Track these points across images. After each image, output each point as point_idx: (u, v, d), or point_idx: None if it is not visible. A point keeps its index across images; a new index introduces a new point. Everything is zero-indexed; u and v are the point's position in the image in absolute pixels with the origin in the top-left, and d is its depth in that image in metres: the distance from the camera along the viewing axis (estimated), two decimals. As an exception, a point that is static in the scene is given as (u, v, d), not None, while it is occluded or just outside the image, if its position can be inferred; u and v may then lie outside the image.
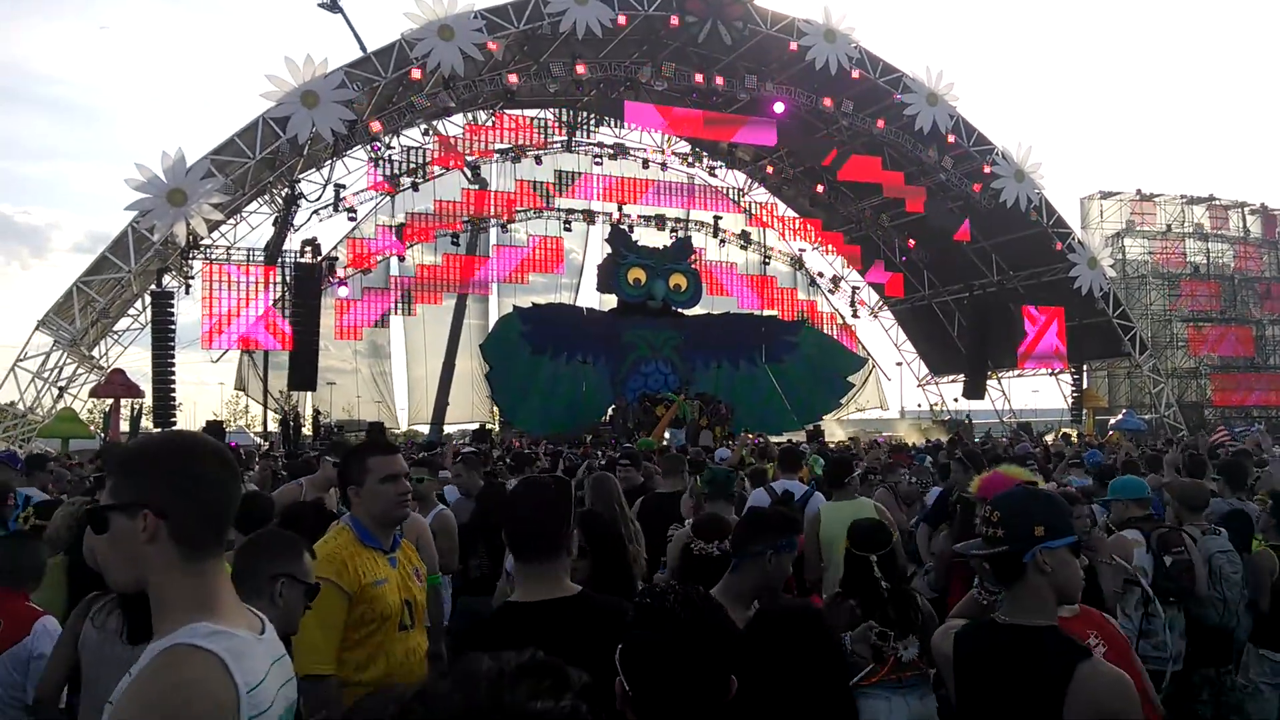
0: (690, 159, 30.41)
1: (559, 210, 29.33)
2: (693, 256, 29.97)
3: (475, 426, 26.64)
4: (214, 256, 22.73)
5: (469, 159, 26.79)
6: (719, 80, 24.54)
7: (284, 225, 23.35)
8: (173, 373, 21.16)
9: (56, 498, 6.51)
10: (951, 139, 26.26)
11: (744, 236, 32.55)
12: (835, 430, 29.96)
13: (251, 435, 30.30)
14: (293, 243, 23.52)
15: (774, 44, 24.55)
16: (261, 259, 22.94)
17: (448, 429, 28.51)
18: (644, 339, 28.13)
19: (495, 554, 4.99)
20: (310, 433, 23.77)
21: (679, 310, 29.04)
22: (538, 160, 28.47)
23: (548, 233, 29.36)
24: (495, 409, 28.23)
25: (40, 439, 21.01)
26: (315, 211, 24.71)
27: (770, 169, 31.32)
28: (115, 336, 23.02)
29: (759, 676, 2.05)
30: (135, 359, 24.15)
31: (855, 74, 24.91)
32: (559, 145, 28.35)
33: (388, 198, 26.42)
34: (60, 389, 21.59)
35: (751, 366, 29.56)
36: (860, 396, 33.49)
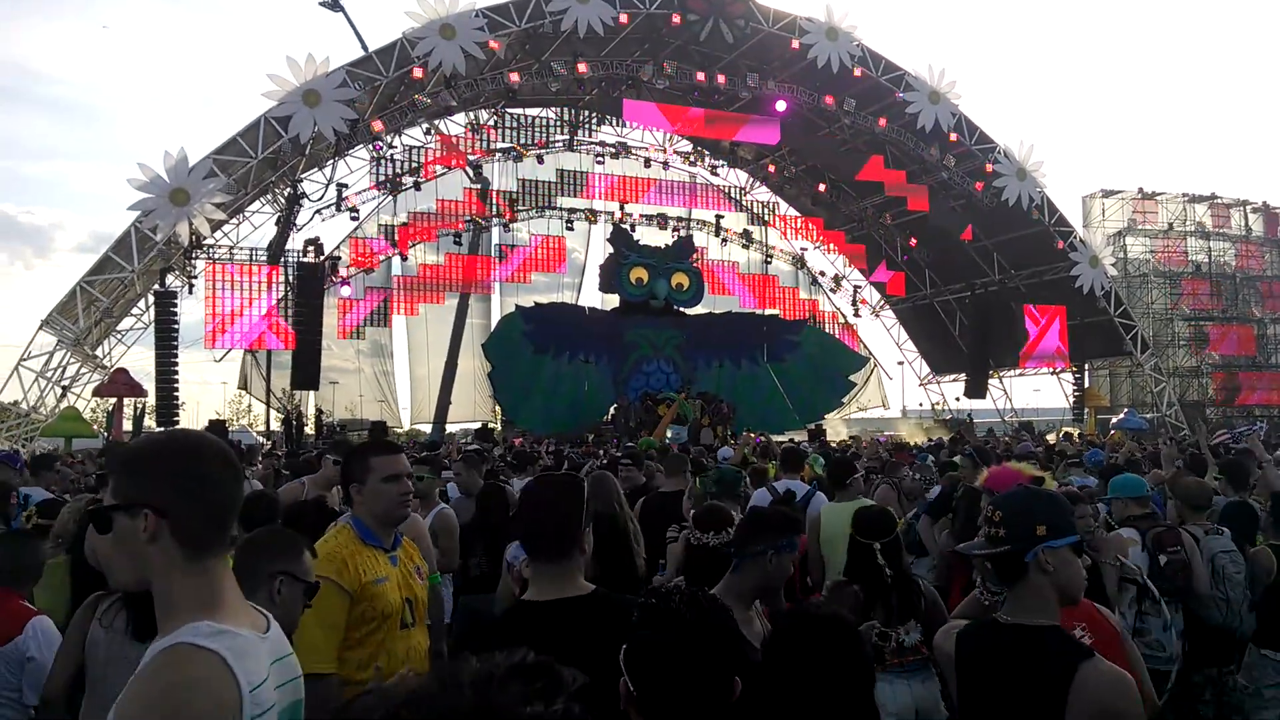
0: (692, 158, 30.41)
1: (561, 209, 29.34)
2: (694, 255, 29.97)
3: (477, 426, 26.64)
4: (217, 256, 22.75)
5: (471, 158, 26.82)
6: (721, 79, 24.51)
7: (286, 225, 23.37)
8: (176, 372, 21.20)
9: (60, 497, 6.54)
10: (953, 137, 26.21)
11: (746, 235, 32.54)
12: (840, 429, 30.01)
13: (254, 434, 30.34)
14: (295, 242, 23.56)
15: (776, 42, 24.52)
16: (264, 259, 22.96)
17: (450, 428, 28.53)
18: (646, 338, 28.13)
19: (494, 552, 5.01)
20: (313, 432, 23.80)
21: (681, 309, 29.03)
22: (539, 159, 28.48)
23: (550, 232, 29.38)
24: (497, 408, 28.24)
25: (43, 438, 21.04)
26: (317, 211, 24.71)
27: (772, 168, 31.32)
28: (118, 336, 23.05)
29: (784, 682, 2.06)
30: (138, 358, 24.26)
31: (857, 72, 24.87)
32: (561, 144, 28.36)
33: (390, 197, 26.45)
34: (64, 388, 21.61)
35: (753, 366, 29.56)
36: (862, 396, 33.47)
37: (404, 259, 27.59)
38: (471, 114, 26.13)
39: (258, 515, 3.85)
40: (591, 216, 30.07)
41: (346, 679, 2.75)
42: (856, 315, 33.99)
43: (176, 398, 21.33)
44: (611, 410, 26.49)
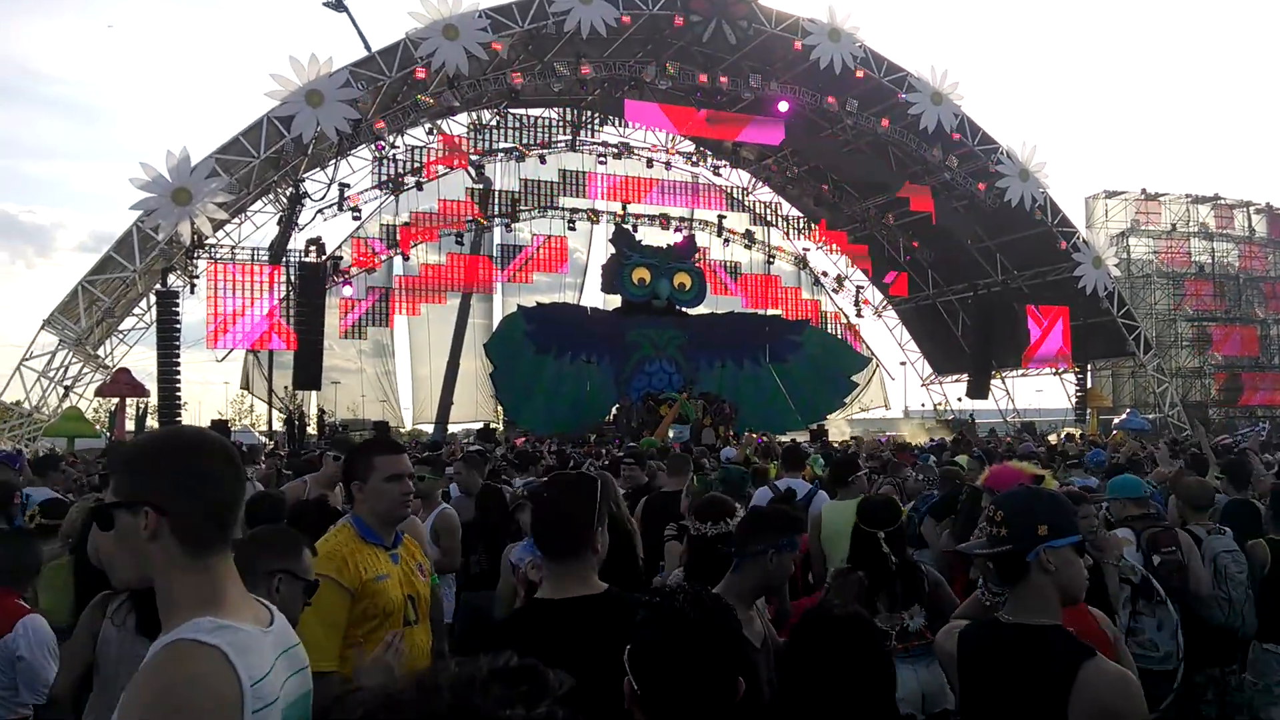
0: (694, 158, 30.42)
1: (563, 209, 29.37)
2: (697, 255, 29.98)
3: (479, 426, 26.64)
4: (219, 256, 22.79)
5: (473, 158, 26.83)
6: (723, 80, 24.52)
7: (288, 224, 23.40)
8: (178, 372, 21.25)
9: (65, 497, 6.54)
10: (956, 138, 26.22)
11: (748, 236, 32.54)
12: (843, 428, 30.00)
13: (256, 434, 30.38)
14: (297, 242, 23.62)
15: (778, 43, 24.54)
16: (266, 258, 23.00)
17: (452, 428, 28.54)
18: (648, 338, 28.13)
19: (494, 550, 5.05)
20: (315, 432, 23.82)
21: (683, 310, 29.03)
22: (542, 160, 28.50)
23: (552, 232, 29.40)
24: (499, 408, 28.25)
25: (46, 438, 21.06)
26: (319, 211, 24.74)
27: (774, 168, 31.32)
28: (120, 336, 23.09)
29: (806, 682, 2.06)
30: (140, 358, 24.23)
31: (860, 73, 24.87)
32: (563, 145, 28.37)
33: (392, 197, 26.48)
34: (66, 388, 21.65)
35: (755, 366, 29.54)
36: (864, 396, 33.47)
37: (406, 259, 27.61)
38: (474, 114, 26.16)
39: (263, 516, 3.85)
40: (594, 216, 30.07)
41: (348, 677, 2.75)
42: (859, 315, 34.01)
43: (179, 398, 21.38)
44: (613, 410, 26.50)
